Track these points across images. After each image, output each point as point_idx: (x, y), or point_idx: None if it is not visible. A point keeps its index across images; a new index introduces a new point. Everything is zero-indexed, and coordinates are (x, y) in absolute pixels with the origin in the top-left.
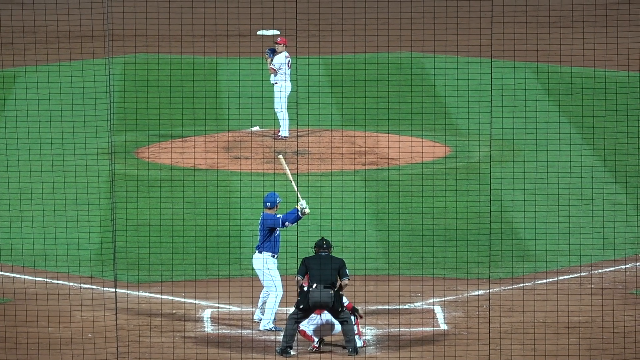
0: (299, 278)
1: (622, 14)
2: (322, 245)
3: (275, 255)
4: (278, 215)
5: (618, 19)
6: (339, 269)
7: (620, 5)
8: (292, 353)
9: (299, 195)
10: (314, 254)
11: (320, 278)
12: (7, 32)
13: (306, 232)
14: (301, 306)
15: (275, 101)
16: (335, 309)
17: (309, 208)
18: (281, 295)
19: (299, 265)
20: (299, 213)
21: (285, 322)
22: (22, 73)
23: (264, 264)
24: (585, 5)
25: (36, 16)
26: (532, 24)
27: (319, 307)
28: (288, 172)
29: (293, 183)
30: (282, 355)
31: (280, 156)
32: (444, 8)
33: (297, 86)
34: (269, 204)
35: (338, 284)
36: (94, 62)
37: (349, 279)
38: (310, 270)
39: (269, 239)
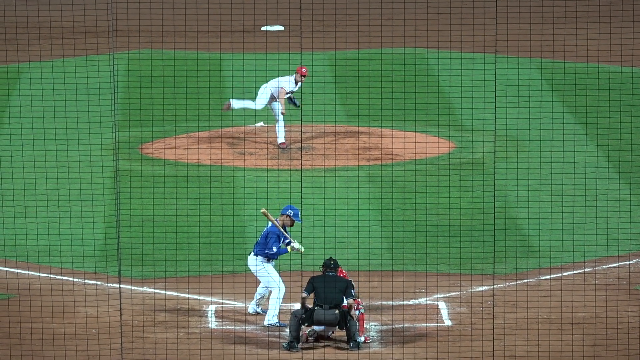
0: (304, 295)
1: (627, 9)
2: (330, 265)
3: (271, 261)
4: (275, 249)
5: (622, 14)
6: (345, 289)
7: (624, 1)
8: (298, 347)
9: (290, 238)
10: (321, 274)
11: (326, 298)
12: (11, 27)
13: (310, 227)
14: (306, 324)
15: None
16: (341, 327)
17: (301, 245)
18: (284, 291)
19: (305, 283)
20: (288, 249)
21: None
22: (27, 69)
23: (257, 264)
24: (590, 0)
25: (40, 12)
26: (536, 19)
27: (322, 325)
28: (275, 221)
29: (281, 229)
30: (289, 349)
31: (263, 209)
32: (448, 3)
33: (301, 81)
34: (290, 212)
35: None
36: (98, 57)
37: (354, 300)
38: (316, 290)
39: (265, 247)
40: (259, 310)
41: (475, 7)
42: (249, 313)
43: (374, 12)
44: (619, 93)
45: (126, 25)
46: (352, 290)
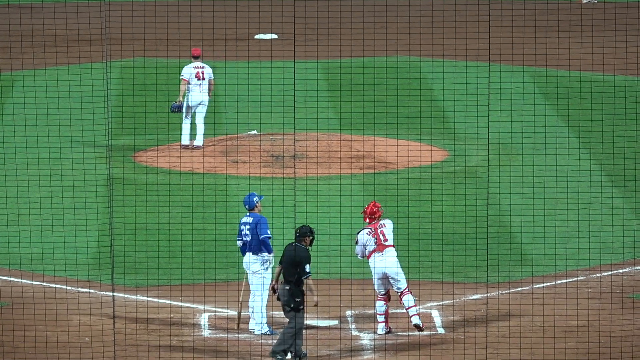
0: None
1: (620, 17)
2: (296, 232)
3: (272, 253)
4: (269, 232)
5: (615, 23)
6: (300, 263)
7: (617, 10)
8: (288, 357)
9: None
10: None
11: (285, 272)
12: (4, 36)
13: None
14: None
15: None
16: (286, 304)
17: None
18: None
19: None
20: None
21: (281, 326)
22: (20, 77)
23: (258, 266)
24: (583, 9)
25: (34, 20)
26: (529, 27)
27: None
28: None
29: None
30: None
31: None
32: (441, 12)
33: (295, 90)
34: (247, 207)
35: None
36: (92, 66)
37: (309, 278)
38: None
39: (259, 240)
40: (267, 331)
41: (468, 16)
42: (251, 331)
43: (368, 21)
44: (612, 101)
45: (119, 33)
46: (307, 265)
